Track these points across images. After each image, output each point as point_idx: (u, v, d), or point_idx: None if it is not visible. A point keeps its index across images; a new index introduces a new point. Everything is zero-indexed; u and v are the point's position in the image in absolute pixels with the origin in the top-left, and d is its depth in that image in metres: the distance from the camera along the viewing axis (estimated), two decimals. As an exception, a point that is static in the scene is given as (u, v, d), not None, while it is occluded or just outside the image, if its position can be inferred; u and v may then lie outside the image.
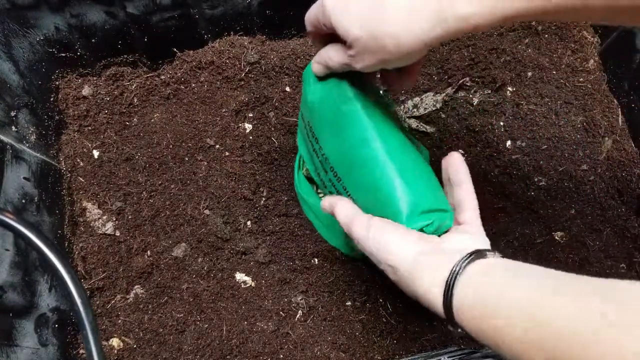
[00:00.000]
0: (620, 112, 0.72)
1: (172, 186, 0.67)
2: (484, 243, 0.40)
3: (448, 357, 0.50)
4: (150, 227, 0.65)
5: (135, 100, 0.70)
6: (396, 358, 0.61)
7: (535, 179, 0.68)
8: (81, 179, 0.66)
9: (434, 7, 0.33)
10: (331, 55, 0.43)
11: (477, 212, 0.42)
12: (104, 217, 0.64)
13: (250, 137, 0.70)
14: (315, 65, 0.47)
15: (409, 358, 0.58)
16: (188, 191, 0.67)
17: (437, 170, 0.47)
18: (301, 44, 0.74)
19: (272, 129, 0.70)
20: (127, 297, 0.62)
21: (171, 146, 0.68)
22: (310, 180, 0.64)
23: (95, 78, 0.70)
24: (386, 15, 0.35)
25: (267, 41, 0.74)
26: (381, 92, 0.73)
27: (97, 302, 0.61)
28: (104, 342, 0.60)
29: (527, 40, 0.74)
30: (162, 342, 0.61)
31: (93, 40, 0.66)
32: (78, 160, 0.66)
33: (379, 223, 0.41)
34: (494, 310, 0.29)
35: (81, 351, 0.60)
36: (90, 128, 0.68)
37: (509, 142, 0.70)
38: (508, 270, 0.32)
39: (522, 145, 0.70)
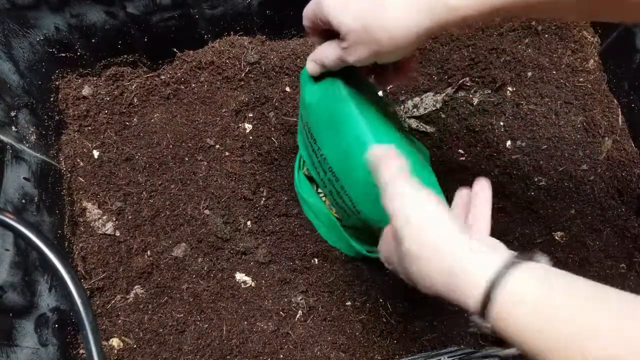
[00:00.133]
0: (620, 112, 0.72)
1: (172, 186, 0.67)
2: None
3: (448, 357, 0.50)
4: (150, 227, 0.65)
5: (135, 100, 0.70)
6: (396, 358, 0.61)
7: (535, 179, 0.68)
8: (81, 179, 0.66)
9: None
10: (326, 51, 0.44)
11: (489, 228, 0.40)
12: (104, 217, 0.64)
13: (250, 137, 0.70)
14: (311, 64, 0.47)
15: (409, 358, 0.58)
16: (188, 191, 0.66)
17: (437, 170, 0.47)
18: (301, 44, 0.74)
19: (272, 129, 0.70)
20: (127, 297, 0.62)
21: (171, 146, 0.68)
22: (310, 179, 0.64)
23: (95, 78, 0.70)
24: (381, 7, 0.36)
25: (267, 41, 0.74)
26: (380, 93, 0.73)
27: (97, 302, 0.61)
28: (104, 342, 0.60)
29: (527, 40, 0.74)
30: (162, 342, 0.61)
31: (93, 40, 0.66)
32: (78, 160, 0.66)
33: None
34: (552, 321, 0.27)
35: (81, 351, 0.60)
36: (90, 128, 0.68)
37: (509, 142, 0.70)
38: (570, 284, 0.29)
39: (522, 145, 0.70)
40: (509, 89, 0.73)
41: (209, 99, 0.71)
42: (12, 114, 0.59)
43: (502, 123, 0.71)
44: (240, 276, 0.64)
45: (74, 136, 0.67)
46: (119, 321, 0.61)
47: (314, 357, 0.61)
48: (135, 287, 0.63)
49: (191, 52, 0.72)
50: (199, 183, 0.67)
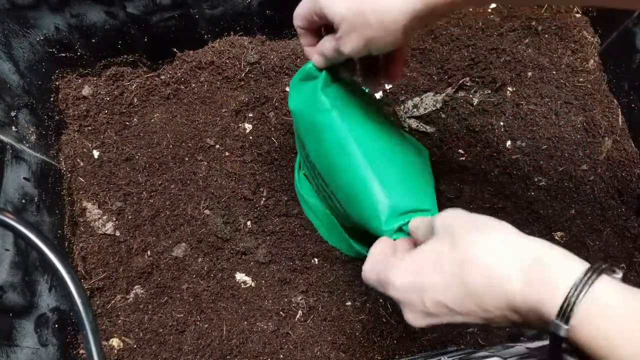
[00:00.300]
0: (620, 112, 0.72)
1: (172, 186, 0.67)
2: None
3: (448, 357, 0.50)
4: (150, 227, 0.65)
5: (135, 100, 0.70)
6: (396, 358, 0.61)
7: (535, 179, 0.68)
8: (81, 179, 0.66)
9: None
10: (325, 43, 0.44)
11: None
12: (104, 217, 0.64)
13: (250, 137, 0.70)
14: (316, 57, 0.48)
15: (409, 358, 0.58)
16: (188, 191, 0.66)
17: (437, 170, 0.47)
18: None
19: (272, 129, 0.70)
20: (127, 297, 0.62)
21: (171, 146, 0.68)
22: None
23: (95, 78, 0.70)
24: None
25: (267, 41, 0.74)
26: (380, 94, 0.73)
27: (97, 302, 0.61)
28: (104, 342, 0.60)
29: (527, 40, 0.74)
30: (162, 342, 0.61)
31: (93, 40, 0.66)
32: (78, 160, 0.66)
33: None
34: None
35: (81, 351, 0.60)
36: (90, 128, 0.68)
37: (509, 142, 0.70)
38: None
39: (522, 145, 0.70)
40: (509, 89, 0.73)
41: (209, 99, 0.71)
42: (12, 114, 0.59)
43: (502, 123, 0.71)
44: (240, 276, 0.64)
45: (74, 136, 0.67)
46: (119, 321, 0.61)
47: (314, 357, 0.61)
48: (135, 287, 0.63)
49: (191, 52, 0.72)
50: (199, 183, 0.67)
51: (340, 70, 0.48)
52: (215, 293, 0.63)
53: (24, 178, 0.58)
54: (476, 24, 0.75)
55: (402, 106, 0.72)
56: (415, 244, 0.42)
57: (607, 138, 0.71)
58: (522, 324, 0.31)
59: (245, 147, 0.69)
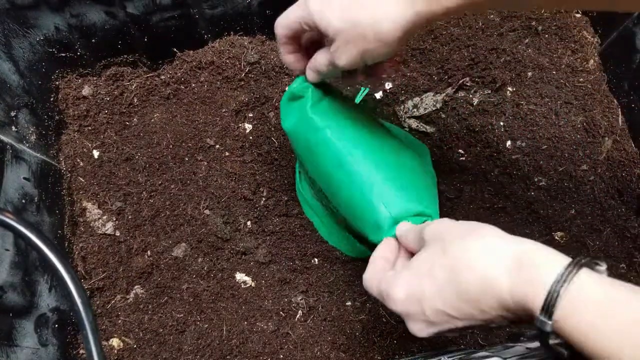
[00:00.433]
0: (620, 112, 0.72)
1: (172, 186, 0.67)
2: None
3: (448, 357, 0.50)
4: (150, 227, 0.65)
5: (135, 100, 0.70)
6: (396, 358, 0.61)
7: (535, 179, 0.68)
8: (81, 179, 0.66)
9: None
10: (318, 58, 0.44)
11: None
12: (104, 217, 0.64)
13: (250, 137, 0.70)
14: (309, 72, 0.47)
15: (409, 358, 0.58)
16: (188, 191, 0.66)
17: (437, 170, 0.47)
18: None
19: (272, 129, 0.70)
20: (127, 297, 0.62)
21: (171, 146, 0.68)
22: (311, 180, 0.64)
23: (95, 78, 0.70)
24: (365, 3, 0.37)
25: (267, 41, 0.74)
26: (380, 94, 0.73)
27: (97, 302, 0.61)
28: (104, 342, 0.60)
29: (527, 40, 0.74)
30: (162, 342, 0.61)
31: (93, 40, 0.66)
32: (78, 160, 0.66)
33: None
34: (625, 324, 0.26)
35: (81, 351, 0.60)
36: (90, 128, 0.68)
37: (509, 142, 0.70)
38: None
39: (522, 145, 0.70)
40: (509, 89, 0.73)
41: (209, 99, 0.71)
42: (12, 114, 0.60)
43: (502, 123, 0.71)
44: (240, 276, 0.64)
45: (74, 136, 0.67)
46: (119, 321, 0.61)
47: (314, 357, 0.61)
48: (135, 287, 0.63)
49: (191, 52, 0.72)
50: (199, 183, 0.67)
51: (340, 83, 0.48)
52: (215, 293, 0.63)
53: (24, 178, 0.58)
54: (476, 24, 0.75)
55: (402, 106, 0.72)
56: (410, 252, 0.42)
57: (607, 138, 0.71)
58: (519, 322, 0.32)
59: (245, 147, 0.69)
